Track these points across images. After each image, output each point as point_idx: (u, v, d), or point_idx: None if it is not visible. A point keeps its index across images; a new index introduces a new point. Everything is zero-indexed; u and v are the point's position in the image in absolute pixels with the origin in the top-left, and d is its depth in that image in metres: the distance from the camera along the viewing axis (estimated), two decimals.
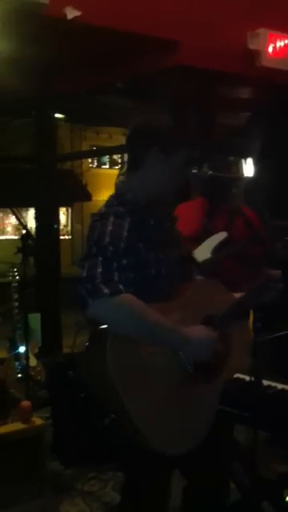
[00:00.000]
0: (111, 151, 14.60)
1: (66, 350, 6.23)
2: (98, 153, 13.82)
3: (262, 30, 4.94)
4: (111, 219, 2.00)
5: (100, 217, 2.05)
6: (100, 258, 1.90)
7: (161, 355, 1.95)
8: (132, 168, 2.18)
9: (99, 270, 1.87)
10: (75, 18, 4.21)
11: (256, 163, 6.39)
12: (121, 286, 1.86)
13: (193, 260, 2.31)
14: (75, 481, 3.72)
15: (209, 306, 2.14)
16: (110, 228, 1.97)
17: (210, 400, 2.10)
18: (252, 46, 4.95)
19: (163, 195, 2.18)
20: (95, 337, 2.00)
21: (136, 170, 2.15)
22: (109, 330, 1.88)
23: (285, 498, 3.00)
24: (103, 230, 1.97)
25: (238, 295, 2.25)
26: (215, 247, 3.20)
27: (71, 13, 4.23)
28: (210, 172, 2.19)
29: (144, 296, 1.99)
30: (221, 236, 3.21)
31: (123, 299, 1.87)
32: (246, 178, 2.87)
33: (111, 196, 2.16)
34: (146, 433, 1.87)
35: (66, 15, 4.17)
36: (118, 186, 2.21)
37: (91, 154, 15.24)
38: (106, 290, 1.84)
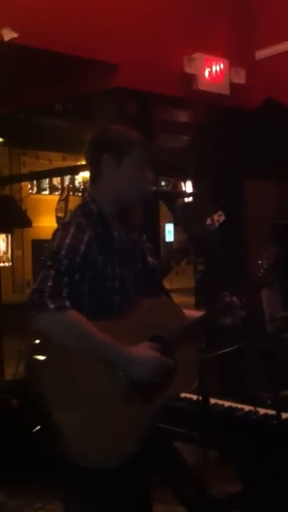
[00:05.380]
0: (50, 174, 14.50)
1: (8, 379, 6.07)
2: (37, 175, 13.70)
3: (198, 55, 5.03)
4: (71, 231, 2.01)
5: (62, 226, 2.06)
6: (52, 272, 1.91)
7: (98, 371, 1.96)
8: (93, 180, 2.20)
9: (49, 283, 1.89)
10: (12, 39, 4.18)
11: (194, 183, 6.48)
12: (67, 303, 1.88)
13: (157, 273, 2.30)
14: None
15: (159, 325, 2.13)
16: (68, 241, 1.98)
17: (144, 418, 2.07)
18: (189, 70, 5.03)
19: (127, 203, 2.19)
20: (34, 348, 2.03)
21: (97, 181, 2.18)
22: (49, 342, 1.90)
23: None
24: (62, 241, 1.98)
25: (193, 316, 2.25)
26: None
27: (8, 35, 4.20)
28: (154, 187, 2.19)
29: (96, 309, 2.02)
30: None
31: (68, 315, 1.88)
32: (189, 193, 2.92)
33: (77, 206, 2.18)
34: (72, 443, 1.89)
35: (2, 37, 4.13)
36: (84, 197, 2.23)
37: (30, 176, 15.10)
38: (51, 305, 1.85)
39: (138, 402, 2.02)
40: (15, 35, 4.16)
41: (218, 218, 3.28)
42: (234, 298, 2.23)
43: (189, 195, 2.40)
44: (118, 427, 1.99)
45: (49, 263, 1.93)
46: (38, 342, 2.02)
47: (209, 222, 3.20)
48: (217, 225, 3.21)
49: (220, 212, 3.24)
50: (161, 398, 2.11)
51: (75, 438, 1.89)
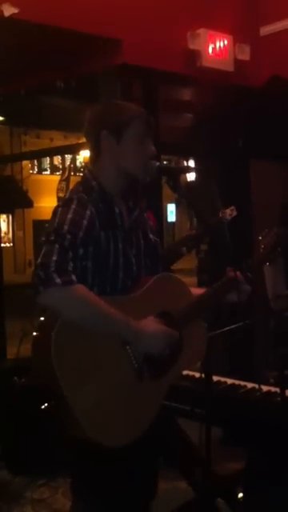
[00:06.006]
0: (52, 152, 14.41)
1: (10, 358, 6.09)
2: (38, 154, 13.60)
3: (202, 30, 4.96)
4: (73, 206, 1.99)
5: (63, 203, 2.03)
6: (57, 246, 1.88)
7: (107, 347, 1.94)
8: (94, 158, 2.18)
9: (54, 258, 1.85)
10: (13, 15, 4.12)
11: (199, 164, 6.43)
12: (74, 277, 1.85)
13: (159, 251, 2.28)
14: (24, 489, 3.62)
15: (166, 301, 2.12)
16: (70, 216, 1.96)
17: (154, 395, 2.07)
18: (192, 46, 4.97)
19: (131, 179, 2.16)
20: (42, 325, 1.99)
21: (97, 159, 2.16)
22: (57, 319, 1.87)
23: (238, 495, 3.00)
24: (64, 217, 1.96)
25: (198, 293, 2.24)
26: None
27: (8, 10, 4.14)
28: (158, 163, 2.16)
29: (100, 285, 2.01)
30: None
31: (75, 290, 1.86)
32: (194, 168, 2.90)
33: (77, 182, 2.16)
34: (82, 421, 1.86)
35: (2, 12, 4.08)
36: (84, 174, 2.20)
37: (31, 155, 15.00)
38: (58, 280, 1.82)
39: (147, 379, 2.01)
40: (16, 11, 4.10)
41: (231, 212, 3.35)
42: (238, 273, 2.22)
43: (193, 171, 2.38)
44: (131, 404, 1.98)
45: (52, 238, 1.90)
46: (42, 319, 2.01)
47: (221, 215, 3.24)
48: (229, 218, 3.26)
49: (233, 207, 3.30)
50: (170, 376, 2.10)
51: (87, 416, 1.87)
